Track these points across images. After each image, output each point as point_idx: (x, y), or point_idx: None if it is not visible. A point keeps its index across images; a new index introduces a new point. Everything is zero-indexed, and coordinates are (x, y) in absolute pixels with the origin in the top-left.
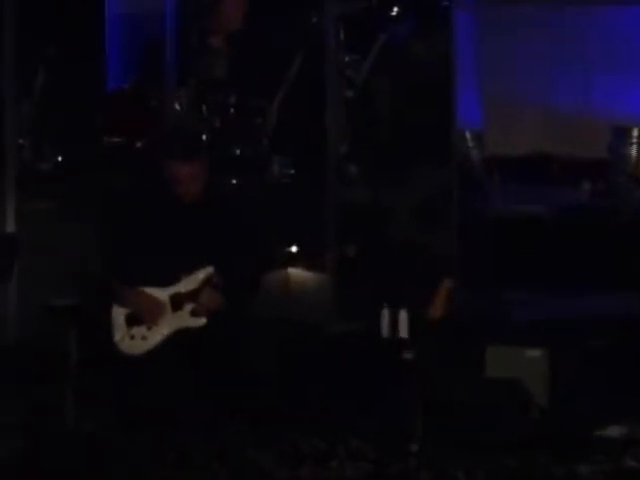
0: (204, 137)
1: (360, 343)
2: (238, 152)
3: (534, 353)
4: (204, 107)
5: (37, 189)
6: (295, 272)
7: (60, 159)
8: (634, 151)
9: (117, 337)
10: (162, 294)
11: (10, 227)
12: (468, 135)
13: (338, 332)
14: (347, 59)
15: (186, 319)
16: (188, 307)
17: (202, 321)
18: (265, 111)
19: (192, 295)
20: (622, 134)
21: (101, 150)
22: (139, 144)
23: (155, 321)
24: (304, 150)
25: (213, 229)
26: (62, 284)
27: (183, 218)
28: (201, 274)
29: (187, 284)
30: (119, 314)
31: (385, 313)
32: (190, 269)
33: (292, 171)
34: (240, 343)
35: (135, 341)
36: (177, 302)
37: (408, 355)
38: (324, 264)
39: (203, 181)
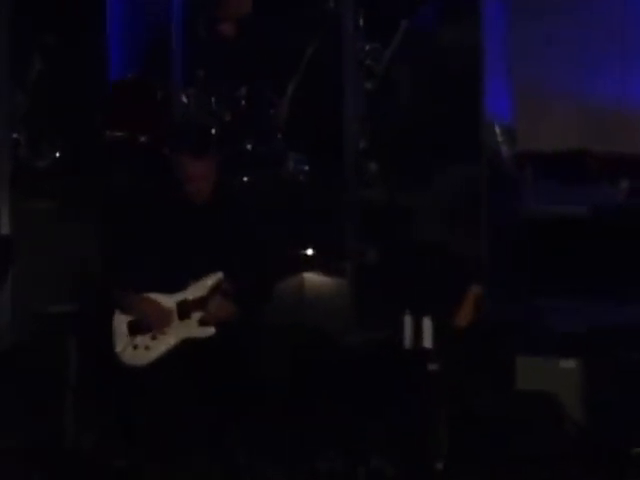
0: (213, 132)
1: (380, 354)
2: (249, 148)
3: (568, 364)
4: (213, 100)
5: (33, 188)
6: (311, 277)
7: (58, 155)
8: None
9: (119, 347)
10: (168, 301)
11: (4, 228)
12: (498, 129)
13: (357, 342)
14: (367, 47)
15: (193, 328)
16: (196, 315)
17: (210, 331)
18: (278, 104)
19: (200, 303)
20: None
21: (102, 146)
22: (143, 140)
23: (161, 330)
24: (320, 146)
25: (223, 231)
26: (60, 289)
27: (191, 219)
28: (210, 280)
29: (195, 291)
30: (121, 322)
31: (408, 321)
32: (198, 275)
33: (307, 168)
34: (251, 354)
35: (138, 351)
36: (184, 310)
37: (432, 366)
38: (342, 269)
39: (214, 179)
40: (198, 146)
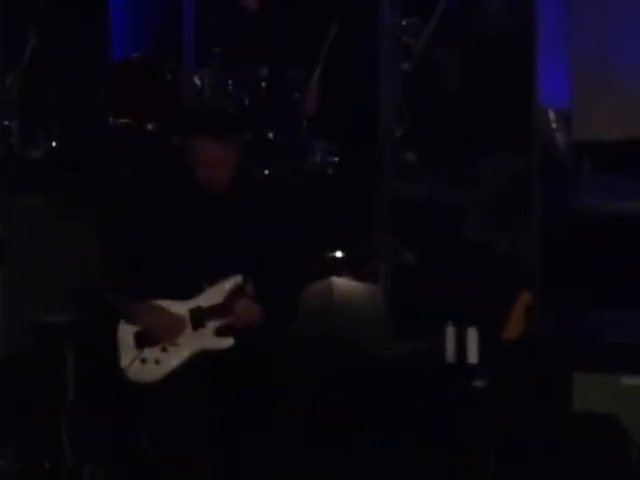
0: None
1: (418, 369)
2: (271, 136)
3: (632, 381)
4: (230, 82)
5: (26, 181)
6: (340, 282)
7: (54, 145)
8: None
9: (124, 361)
10: (180, 308)
11: None
12: (552, 115)
13: (391, 355)
14: (404, 22)
15: (209, 339)
16: (212, 325)
17: (229, 342)
18: (304, 86)
19: (216, 310)
20: None
21: (104, 135)
22: (151, 127)
23: (172, 341)
24: (351, 134)
25: (242, 228)
26: (56, 296)
27: (206, 213)
28: (227, 284)
29: (210, 296)
30: (127, 333)
31: (450, 332)
32: (214, 278)
33: (336, 159)
34: (274, 369)
35: (147, 366)
36: (198, 318)
37: (478, 384)
38: (376, 273)
39: (234, 168)
40: (216, 126)
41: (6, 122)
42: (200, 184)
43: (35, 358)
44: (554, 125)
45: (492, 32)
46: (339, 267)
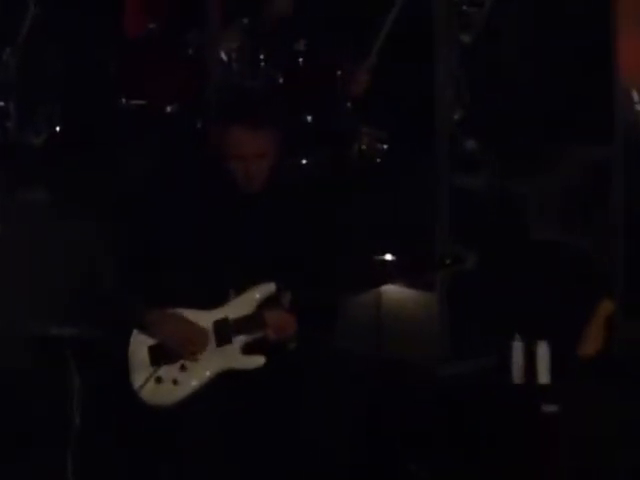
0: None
1: (481, 390)
2: (310, 120)
3: None
4: (262, 57)
5: (25, 173)
6: (390, 291)
7: (58, 130)
8: None
9: (137, 380)
10: (203, 320)
11: None
12: (637, 97)
13: (450, 374)
14: None
15: (236, 357)
16: (239, 340)
17: (259, 361)
18: (348, 63)
19: (245, 323)
20: None
21: (116, 118)
22: (170, 109)
23: (193, 358)
24: (403, 118)
25: (277, 229)
26: (59, 305)
27: (236, 212)
28: (258, 293)
29: (238, 307)
30: (140, 346)
31: (517, 348)
32: (243, 285)
33: (386, 147)
34: (313, 393)
35: (163, 386)
36: (223, 332)
37: (550, 407)
38: (432, 279)
39: (271, 161)
40: (253, 113)
41: (2, 103)
42: (232, 179)
43: (33, 379)
44: (639, 107)
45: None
46: (389, 273)
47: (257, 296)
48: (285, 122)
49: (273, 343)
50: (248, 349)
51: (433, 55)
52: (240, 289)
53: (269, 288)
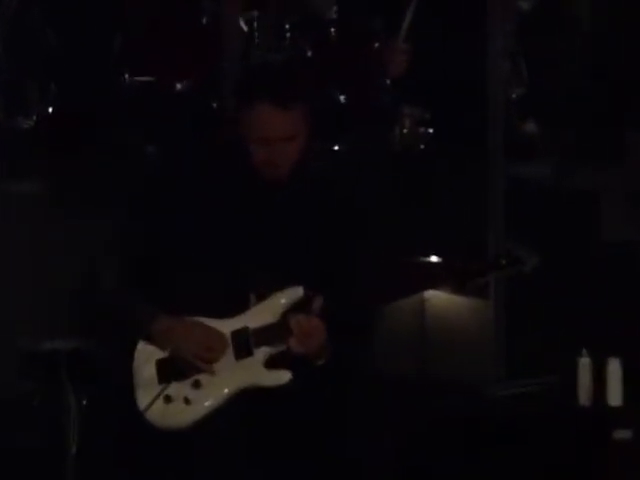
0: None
1: (542, 414)
2: (343, 100)
3: None
4: (287, 27)
5: (13, 161)
6: (437, 297)
7: (50, 112)
8: None
9: (143, 399)
10: (220, 329)
11: None
12: None
13: (506, 395)
14: None
15: (258, 372)
16: (262, 352)
17: (284, 377)
18: (387, 34)
19: (269, 333)
20: None
21: (118, 97)
22: (182, 86)
23: (209, 371)
24: (450, 97)
25: (306, 224)
26: (54, 315)
27: (260, 205)
28: (284, 298)
29: (260, 314)
30: (147, 359)
31: (584, 365)
32: (265, 289)
33: (431, 131)
34: (348, 415)
35: (173, 406)
36: (243, 343)
37: (622, 433)
38: (484, 284)
39: (299, 146)
40: (281, 89)
41: None
42: (254, 167)
43: (24, 400)
44: None
45: None
46: (434, 276)
47: (282, 301)
48: (314, 101)
49: (297, 355)
50: (272, 363)
51: (486, 24)
52: (262, 294)
53: (296, 293)
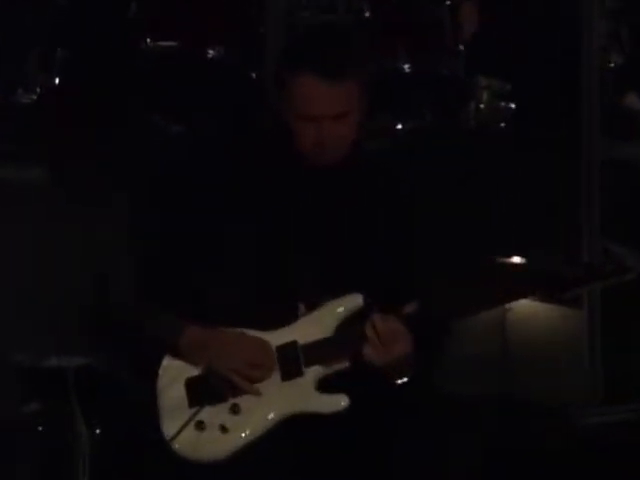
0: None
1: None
2: (408, 70)
3: None
4: None
5: (14, 142)
6: (520, 306)
7: (57, 83)
8: None
9: (170, 427)
10: None
11: None
12: None
13: (601, 423)
14: None
15: (308, 396)
16: (313, 372)
17: (341, 402)
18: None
19: (322, 349)
20: None
21: (138, 64)
22: (213, 53)
23: (257, 392)
24: (535, 66)
25: (364, 219)
26: (59, 328)
27: (308, 195)
28: (340, 307)
29: (311, 326)
30: (174, 380)
31: None
32: (317, 297)
33: (513, 106)
34: (421, 449)
35: (207, 434)
36: (291, 361)
37: None
38: (575, 293)
39: (354, 124)
40: (330, 58)
41: None
42: (300, 148)
43: (27, 426)
44: None
45: None
46: (518, 283)
47: (338, 311)
48: (374, 71)
49: (374, 368)
50: (325, 385)
51: None
52: (312, 302)
53: (355, 301)
